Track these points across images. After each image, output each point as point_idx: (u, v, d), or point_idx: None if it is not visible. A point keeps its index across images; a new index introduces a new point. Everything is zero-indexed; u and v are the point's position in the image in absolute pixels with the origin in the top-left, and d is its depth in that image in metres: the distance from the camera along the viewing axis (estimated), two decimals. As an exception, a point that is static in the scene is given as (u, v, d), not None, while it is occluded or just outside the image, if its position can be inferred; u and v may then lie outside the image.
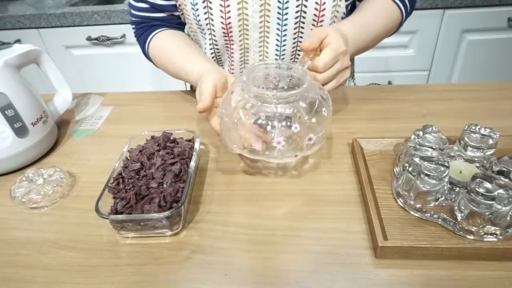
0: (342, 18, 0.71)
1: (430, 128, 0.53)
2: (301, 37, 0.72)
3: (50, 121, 0.68)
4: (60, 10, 1.39)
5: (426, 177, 0.46)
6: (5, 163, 0.61)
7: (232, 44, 0.74)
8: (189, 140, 0.61)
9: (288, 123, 0.49)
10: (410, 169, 0.48)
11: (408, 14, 0.74)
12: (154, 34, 0.78)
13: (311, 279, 0.42)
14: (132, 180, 0.52)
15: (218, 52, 0.77)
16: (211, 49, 0.77)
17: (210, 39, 0.75)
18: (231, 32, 0.72)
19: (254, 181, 0.57)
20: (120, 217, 0.46)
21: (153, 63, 0.81)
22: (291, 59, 0.76)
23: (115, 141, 0.69)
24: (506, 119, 0.66)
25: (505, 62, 1.44)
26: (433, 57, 1.44)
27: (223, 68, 0.81)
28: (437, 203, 0.48)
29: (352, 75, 0.94)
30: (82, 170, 0.62)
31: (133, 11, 0.78)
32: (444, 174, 0.46)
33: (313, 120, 0.49)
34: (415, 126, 0.65)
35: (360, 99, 0.75)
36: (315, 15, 0.68)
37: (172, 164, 0.54)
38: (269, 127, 0.48)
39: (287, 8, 0.68)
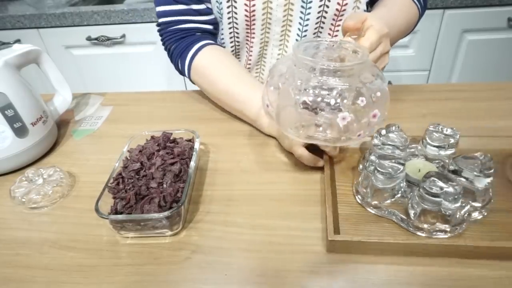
0: None
1: (393, 127, 0.53)
2: (320, 33, 0.72)
3: (50, 121, 0.68)
4: (60, 10, 1.39)
5: (379, 175, 0.47)
6: (5, 163, 0.61)
7: (253, 38, 0.74)
8: (189, 140, 0.61)
9: (351, 98, 0.44)
10: (367, 165, 0.49)
11: (423, 12, 0.75)
12: (200, 48, 0.71)
13: (311, 279, 0.42)
14: (132, 180, 0.52)
15: (238, 45, 0.77)
16: (231, 42, 0.76)
17: (231, 33, 0.74)
18: (254, 25, 0.71)
19: (253, 181, 0.57)
20: (120, 217, 0.46)
21: (193, 83, 0.76)
22: None
23: (115, 141, 0.69)
24: (506, 119, 0.66)
25: (505, 62, 1.44)
26: (433, 57, 1.44)
27: (240, 61, 0.80)
28: (393, 199, 0.49)
29: None
30: (82, 170, 0.62)
31: (159, 8, 0.71)
32: (398, 172, 0.46)
33: (378, 94, 0.45)
34: (415, 126, 0.65)
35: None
36: (337, 9, 0.69)
37: (172, 164, 0.54)
38: (332, 101, 0.44)
39: (310, 2, 0.68)
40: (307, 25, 0.71)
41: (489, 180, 0.46)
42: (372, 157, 0.48)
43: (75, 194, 0.58)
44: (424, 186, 0.43)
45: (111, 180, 0.52)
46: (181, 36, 0.72)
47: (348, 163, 0.58)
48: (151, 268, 0.45)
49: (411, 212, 0.46)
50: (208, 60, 0.71)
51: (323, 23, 0.71)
